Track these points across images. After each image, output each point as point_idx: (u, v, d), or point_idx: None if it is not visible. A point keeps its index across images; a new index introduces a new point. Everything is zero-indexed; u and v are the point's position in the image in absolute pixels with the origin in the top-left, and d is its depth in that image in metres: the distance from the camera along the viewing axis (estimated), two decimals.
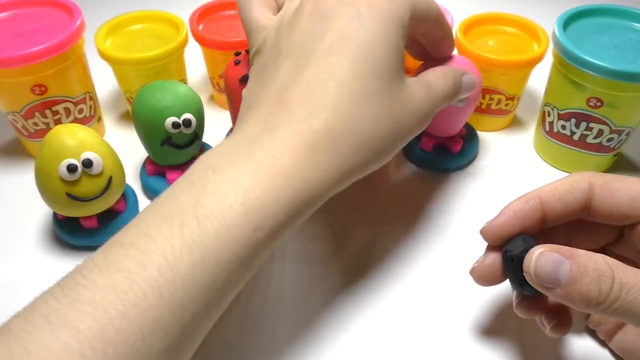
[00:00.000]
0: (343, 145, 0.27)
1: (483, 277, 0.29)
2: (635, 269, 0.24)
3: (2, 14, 0.44)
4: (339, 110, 0.27)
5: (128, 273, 0.22)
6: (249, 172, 0.25)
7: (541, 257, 0.25)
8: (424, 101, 0.30)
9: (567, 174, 0.31)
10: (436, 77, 0.32)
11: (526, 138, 0.49)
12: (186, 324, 0.22)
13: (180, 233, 0.23)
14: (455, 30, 0.46)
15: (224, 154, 0.26)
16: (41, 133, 0.44)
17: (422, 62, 0.40)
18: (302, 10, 0.30)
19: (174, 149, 0.39)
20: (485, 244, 0.30)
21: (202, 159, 0.26)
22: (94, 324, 0.20)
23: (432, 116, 0.32)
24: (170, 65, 0.46)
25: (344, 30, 0.28)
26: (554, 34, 0.41)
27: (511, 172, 0.45)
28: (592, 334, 0.33)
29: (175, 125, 0.37)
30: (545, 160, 0.46)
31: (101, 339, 0.20)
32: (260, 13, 0.32)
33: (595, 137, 0.41)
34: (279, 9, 0.34)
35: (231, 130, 0.47)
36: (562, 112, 0.42)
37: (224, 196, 0.24)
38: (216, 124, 0.49)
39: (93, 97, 0.46)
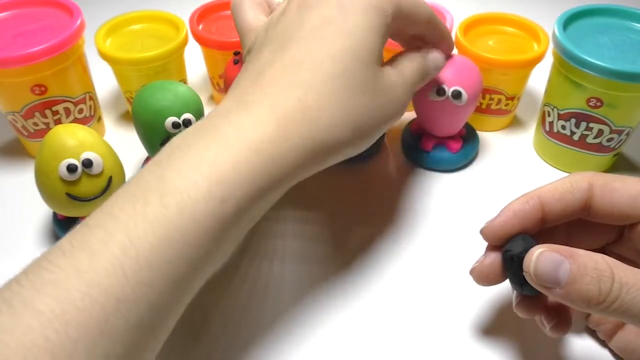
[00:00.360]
0: (316, 121, 0.27)
1: (483, 277, 0.29)
2: (635, 269, 0.24)
3: (2, 14, 0.44)
4: (312, 87, 0.27)
5: (91, 253, 0.21)
6: (214, 146, 0.25)
7: (541, 257, 0.25)
8: (399, 85, 0.31)
9: (567, 174, 0.31)
10: (404, 60, 0.33)
11: (526, 138, 0.49)
12: (152, 301, 0.22)
13: (144, 211, 0.23)
14: (455, 30, 0.46)
15: (192, 131, 0.26)
16: (41, 133, 0.44)
17: None
18: (289, 8, 0.30)
19: None
20: (485, 243, 0.30)
21: (172, 140, 0.26)
22: (55, 305, 0.20)
23: (409, 101, 0.32)
24: (170, 65, 0.46)
25: (325, 17, 0.29)
26: (554, 34, 0.41)
27: (511, 172, 0.45)
28: (592, 334, 0.33)
29: (175, 125, 0.37)
30: (545, 160, 0.46)
31: (63, 321, 0.20)
32: (252, 16, 0.33)
33: (595, 137, 0.41)
34: (271, 12, 0.34)
35: None
36: (562, 112, 0.42)
37: (188, 171, 0.24)
38: None
39: (93, 97, 0.46)
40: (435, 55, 0.35)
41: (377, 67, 0.30)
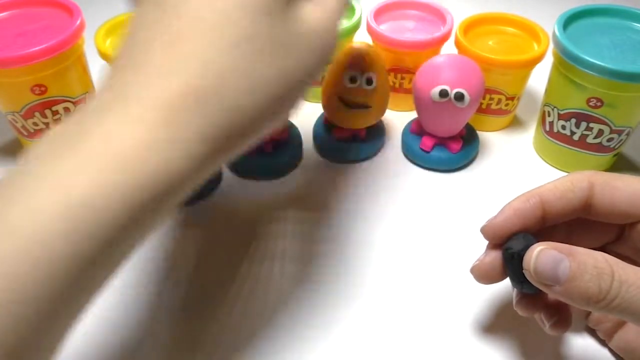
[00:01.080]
0: (214, 103, 0.21)
1: (483, 275, 0.29)
2: (634, 267, 0.24)
3: (2, 14, 0.44)
4: (207, 63, 0.21)
5: None
6: (76, 165, 0.20)
7: (541, 255, 0.25)
8: (322, 22, 0.25)
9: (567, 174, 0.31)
10: None
11: (526, 138, 0.49)
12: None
13: None
14: (455, 30, 0.46)
15: (54, 140, 0.21)
16: (41, 133, 0.44)
17: (421, 65, 0.40)
18: None
19: None
20: (486, 242, 0.30)
21: (37, 144, 0.21)
22: None
23: (337, 38, 0.26)
24: None
25: None
26: (554, 34, 0.41)
27: (511, 172, 0.45)
28: (592, 333, 0.33)
29: None
30: (545, 160, 0.46)
31: None
32: None
33: (595, 137, 0.41)
34: None
35: None
36: (562, 112, 0.42)
37: (37, 198, 0.19)
38: None
39: None
40: None
41: (288, 9, 0.23)
